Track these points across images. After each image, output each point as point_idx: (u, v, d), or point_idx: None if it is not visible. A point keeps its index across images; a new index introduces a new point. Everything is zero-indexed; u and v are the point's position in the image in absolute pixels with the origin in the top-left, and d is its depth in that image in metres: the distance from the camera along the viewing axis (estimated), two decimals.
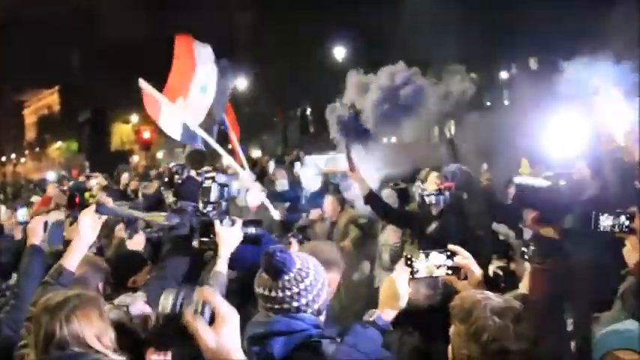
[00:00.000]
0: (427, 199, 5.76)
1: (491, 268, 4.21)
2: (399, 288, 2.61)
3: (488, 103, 28.75)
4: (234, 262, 3.63)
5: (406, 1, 21.81)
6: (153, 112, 7.24)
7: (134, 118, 40.10)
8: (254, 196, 7.79)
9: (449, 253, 2.68)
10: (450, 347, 2.34)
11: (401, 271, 2.65)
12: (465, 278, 2.70)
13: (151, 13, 24.02)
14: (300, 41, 24.54)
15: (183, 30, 7.68)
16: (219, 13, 24.20)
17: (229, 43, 24.72)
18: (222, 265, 3.51)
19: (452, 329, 2.33)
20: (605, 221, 3.58)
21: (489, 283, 3.70)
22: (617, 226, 3.56)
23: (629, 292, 3.54)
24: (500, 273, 4.21)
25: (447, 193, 5.72)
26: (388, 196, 6.86)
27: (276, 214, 7.39)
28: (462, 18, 18.63)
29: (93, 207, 3.44)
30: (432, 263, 2.67)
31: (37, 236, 3.84)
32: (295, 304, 2.67)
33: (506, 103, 32.43)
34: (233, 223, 3.61)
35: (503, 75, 30.55)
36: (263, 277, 2.69)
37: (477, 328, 2.21)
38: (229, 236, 3.59)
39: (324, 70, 23.05)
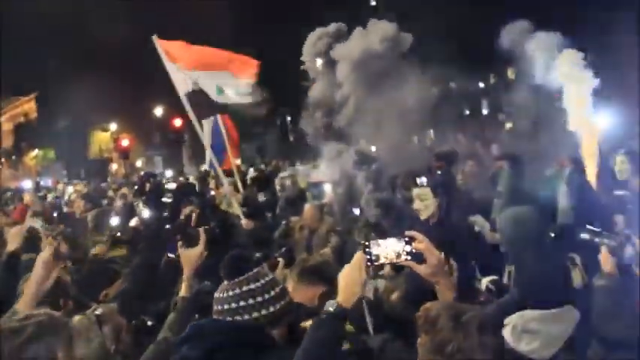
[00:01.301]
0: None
1: (484, 282, 4.19)
2: (356, 275, 2.59)
3: (467, 112, 29.07)
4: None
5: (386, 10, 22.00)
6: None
7: (113, 126, 39.76)
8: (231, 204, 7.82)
9: (407, 239, 2.66)
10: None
11: (358, 259, 2.64)
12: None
13: (128, 20, 23.91)
14: (281, 50, 24.58)
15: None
16: (197, 19, 24.13)
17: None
18: (185, 289, 3.57)
19: (418, 340, 2.31)
20: None
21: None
22: None
23: None
24: (493, 288, 4.18)
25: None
26: (367, 202, 6.85)
27: (245, 224, 7.43)
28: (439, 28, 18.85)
29: (51, 249, 3.40)
30: (391, 250, 2.65)
31: (14, 244, 3.88)
32: (242, 303, 2.74)
33: (485, 112, 32.79)
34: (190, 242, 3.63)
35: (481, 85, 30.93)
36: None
37: (442, 339, 2.19)
38: (188, 257, 3.63)
39: (305, 79, 23.07)
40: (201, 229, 3.69)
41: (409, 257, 2.65)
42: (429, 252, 2.65)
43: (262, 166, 15.83)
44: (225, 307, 2.78)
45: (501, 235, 4.40)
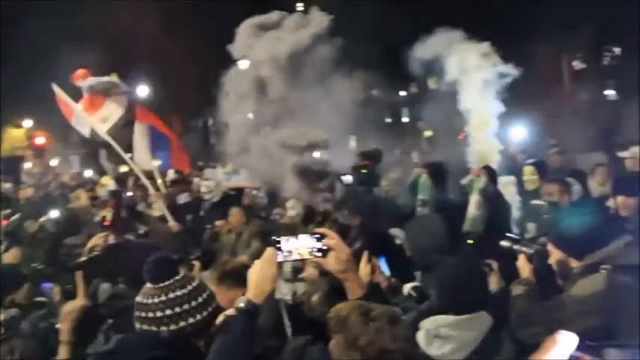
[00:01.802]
0: None
1: (406, 288, 4.25)
2: (267, 271, 2.61)
3: (389, 120, 29.54)
4: None
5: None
6: (66, 113, 8.02)
7: (27, 122, 37.98)
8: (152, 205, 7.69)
9: (318, 236, 2.71)
10: None
11: (269, 255, 2.66)
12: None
13: (50, 17, 23.00)
14: (204, 52, 24.24)
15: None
16: (123, 19, 23.50)
17: (133, 50, 24.16)
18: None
19: (331, 343, 2.35)
20: None
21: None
22: None
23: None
24: (414, 294, 4.24)
25: None
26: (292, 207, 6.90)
27: (174, 226, 7.30)
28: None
29: None
30: (302, 246, 2.69)
31: None
32: (168, 311, 2.67)
33: (405, 120, 33.41)
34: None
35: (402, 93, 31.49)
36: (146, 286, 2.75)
37: (354, 335, 2.24)
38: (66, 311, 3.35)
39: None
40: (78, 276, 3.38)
41: (319, 254, 2.70)
42: (338, 248, 2.70)
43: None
44: (150, 314, 2.69)
45: (409, 243, 4.51)
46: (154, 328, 2.68)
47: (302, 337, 3.35)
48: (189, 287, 2.76)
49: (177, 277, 2.77)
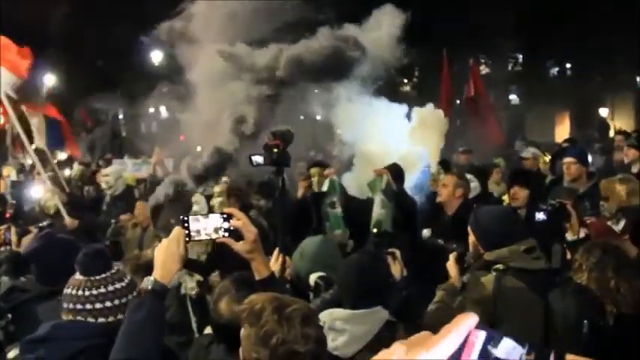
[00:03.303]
0: None
1: (312, 278, 4.20)
2: (174, 250, 2.56)
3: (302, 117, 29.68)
4: None
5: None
6: None
7: None
8: (48, 200, 7.46)
9: (225, 216, 2.68)
10: (240, 350, 2.34)
11: (176, 234, 2.61)
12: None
13: None
14: (115, 43, 23.62)
15: None
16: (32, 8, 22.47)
17: (43, 39, 23.15)
18: None
19: (242, 332, 2.32)
20: None
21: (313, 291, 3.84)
22: None
23: None
24: (322, 283, 4.19)
25: None
26: (197, 201, 6.81)
27: (69, 221, 7.14)
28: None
29: None
30: (210, 226, 2.66)
31: None
32: (108, 304, 2.63)
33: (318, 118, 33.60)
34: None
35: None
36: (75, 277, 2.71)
37: (266, 332, 2.22)
38: None
39: (141, 74, 22.39)
40: None
41: (226, 234, 2.68)
42: (245, 229, 2.69)
43: (88, 162, 15.04)
44: (79, 306, 2.65)
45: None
46: (90, 320, 2.65)
47: (207, 334, 3.31)
48: (124, 282, 2.76)
49: (112, 271, 2.76)
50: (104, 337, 2.59)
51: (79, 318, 2.67)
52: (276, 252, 3.67)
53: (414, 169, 7.60)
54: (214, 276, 5.14)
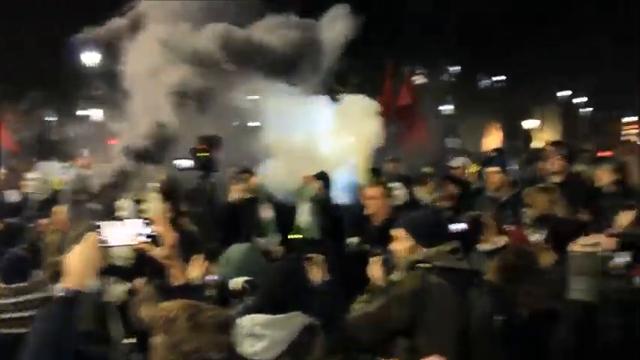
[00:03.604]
0: None
1: (239, 282, 4.13)
2: (89, 257, 2.47)
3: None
4: None
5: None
6: None
7: None
8: None
9: (147, 221, 2.66)
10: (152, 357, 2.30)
11: (91, 240, 2.52)
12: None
13: None
14: (44, 43, 22.93)
15: None
16: None
17: None
18: None
19: (156, 339, 2.28)
20: None
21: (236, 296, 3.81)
22: None
23: None
24: (247, 287, 4.12)
25: None
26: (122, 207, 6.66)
27: None
28: None
29: None
30: (128, 231, 2.62)
31: None
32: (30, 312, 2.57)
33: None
34: None
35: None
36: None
37: (179, 339, 2.20)
38: None
39: (71, 76, 21.84)
40: None
41: (146, 239, 2.65)
42: (165, 234, 2.68)
43: (13, 166, 14.54)
44: (6, 315, 2.58)
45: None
46: (4, 331, 2.58)
47: (128, 343, 3.25)
48: (45, 292, 2.71)
49: (36, 279, 2.65)
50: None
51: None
52: (199, 258, 3.64)
53: (342, 165, 7.68)
54: (138, 282, 5.04)
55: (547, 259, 4.42)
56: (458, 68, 35.73)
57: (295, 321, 3.03)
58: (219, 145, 7.07)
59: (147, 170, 8.19)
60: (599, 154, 12.22)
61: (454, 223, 4.95)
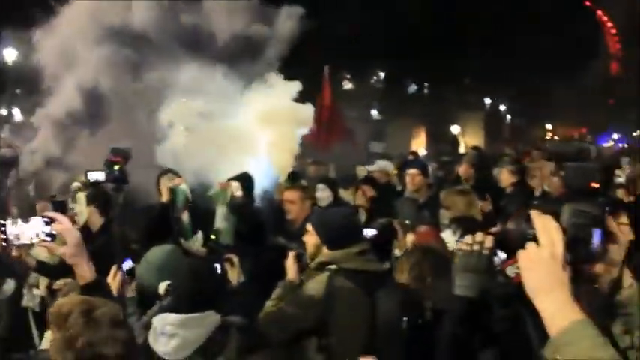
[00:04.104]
0: None
1: (162, 286, 4.17)
2: None
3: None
4: None
5: None
6: None
7: None
8: None
9: (47, 220, 2.65)
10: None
11: None
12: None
13: None
14: None
15: None
16: None
17: None
18: None
19: (51, 335, 2.29)
20: None
21: None
22: None
23: None
24: (170, 289, 4.19)
25: None
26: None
27: None
28: None
29: None
30: (31, 230, 2.62)
31: None
32: None
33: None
34: None
35: None
36: None
37: (72, 335, 2.19)
38: None
39: None
40: None
41: (48, 238, 2.65)
42: (68, 233, 2.67)
43: None
44: None
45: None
46: None
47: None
48: None
49: None
50: None
51: None
52: (113, 269, 3.65)
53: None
54: (59, 283, 4.96)
55: None
56: (384, 74, 36.35)
57: (208, 320, 3.07)
58: (129, 158, 7.04)
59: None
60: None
61: (368, 226, 5.11)
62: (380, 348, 3.38)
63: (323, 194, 6.74)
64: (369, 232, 4.70)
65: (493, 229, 2.85)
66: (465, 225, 4.95)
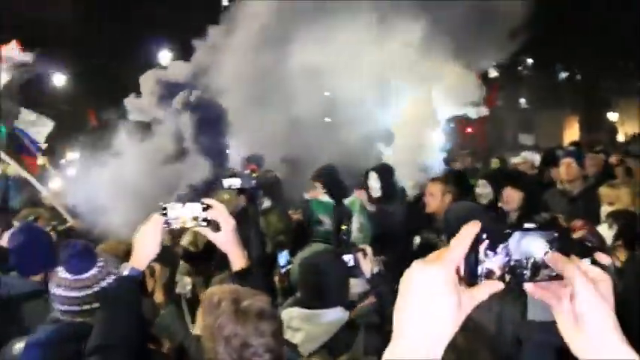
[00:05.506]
0: None
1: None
2: (150, 237, 2.56)
3: None
4: None
5: None
6: None
7: None
8: None
9: (205, 206, 2.67)
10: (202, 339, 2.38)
11: (154, 220, 2.60)
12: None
13: None
14: (124, 42, 23.54)
15: None
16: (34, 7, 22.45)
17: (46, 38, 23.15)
18: None
19: (201, 322, 2.38)
20: None
21: None
22: None
23: None
24: None
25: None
26: None
27: None
28: None
29: None
30: (189, 214, 2.65)
31: None
32: (87, 307, 2.68)
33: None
34: None
35: None
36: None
37: (221, 324, 2.26)
38: None
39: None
40: None
41: (204, 224, 2.68)
42: (224, 220, 2.70)
43: None
44: (78, 308, 2.68)
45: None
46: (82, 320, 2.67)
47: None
48: (112, 277, 2.75)
49: (98, 267, 2.77)
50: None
51: (78, 320, 2.69)
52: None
53: None
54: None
55: (620, 256, 4.30)
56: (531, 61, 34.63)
57: (334, 317, 3.01)
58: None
59: None
60: None
61: (525, 221, 4.81)
62: None
63: (484, 190, 6.29)
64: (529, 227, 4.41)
65: None
66: (625, 220, 4.61)
